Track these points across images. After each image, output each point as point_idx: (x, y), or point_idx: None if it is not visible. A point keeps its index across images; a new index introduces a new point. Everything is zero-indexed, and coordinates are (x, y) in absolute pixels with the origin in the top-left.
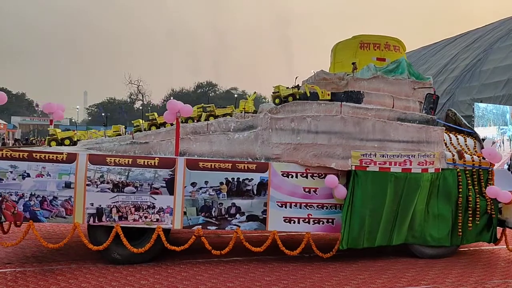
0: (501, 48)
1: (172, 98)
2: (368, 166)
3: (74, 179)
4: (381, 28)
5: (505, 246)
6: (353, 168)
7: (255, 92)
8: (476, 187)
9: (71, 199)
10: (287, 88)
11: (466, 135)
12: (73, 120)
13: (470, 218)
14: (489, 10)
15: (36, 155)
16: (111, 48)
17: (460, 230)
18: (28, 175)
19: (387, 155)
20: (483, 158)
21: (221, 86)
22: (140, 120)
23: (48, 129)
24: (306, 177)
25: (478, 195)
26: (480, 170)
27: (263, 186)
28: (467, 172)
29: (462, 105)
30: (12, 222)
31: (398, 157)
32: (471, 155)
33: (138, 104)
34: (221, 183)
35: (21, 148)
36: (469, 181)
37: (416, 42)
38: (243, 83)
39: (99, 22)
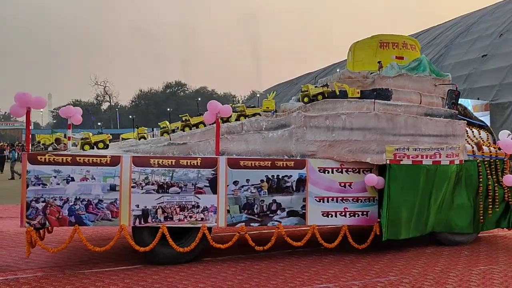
0: (461, 43)
1: (140, 98)
2: (401, 160)
3: (119, 182)
4: (347, 26)
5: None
6: (388, 162)
7: (273, 92)
8: (494, 177)
9: (117, 201)
10: (316, 87)
11: (478, 128)
12: (37, 123)
13: (490, 206)
14: (450, 8)
15: (79, 159)
16: (75, 48)
17: (481, 217)
18: (73, 179)
19: (419, 148)
20: (499, 149)
21: (191, 85)
22: (167, 122)
23: (82, 132)
24: (341, 172)
25: (496, 184)
26: (497, 160)
27: (301, 182)
28: (485, 162)
29: None
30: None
31: (429, 150)
32: (487, 146)
33: (105, 106)
34: (262, 181)
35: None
36: (488, 171)
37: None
38: (213, 82)
39: (62, 20)
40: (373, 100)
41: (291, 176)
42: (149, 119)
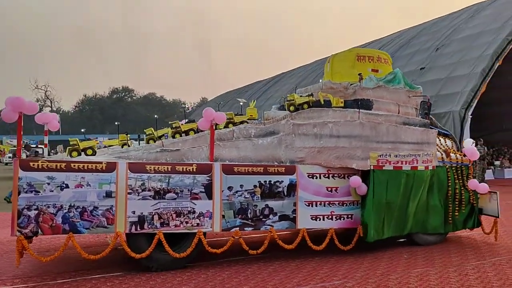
0: (402, 56)
1: (84, 104)
2: (384, 166)
3: (115, 188)
4: (297, 32)
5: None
6: (372, 168)
7: (254, 100)
8: (460, 181)
9: (113, 208)
10: (301, 96)
11: (444, 136)
12: None
13: (457, 208)
14: (393, 22)
15: (74, 165)
16: (12, 49)
17: (450, 218)
18: (67, 186)
19: (400, 155)
20: (464, 156)
21: (139, 91)
22: (152, 129)
23: (69, 139)
24: (328, 177)
25: (462, 188)
26: (463, 166)
27: (292, 187)
28: (453, 168)
29: None
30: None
31: (407, 156)
32: (454, 153)
33: (46, 111)
34: (255, 186)
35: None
36: (455, 176)
37: (332, 48)
38: (162, 88)
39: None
40: (358, 109)
41: (282, 181)
42: (94, 125)
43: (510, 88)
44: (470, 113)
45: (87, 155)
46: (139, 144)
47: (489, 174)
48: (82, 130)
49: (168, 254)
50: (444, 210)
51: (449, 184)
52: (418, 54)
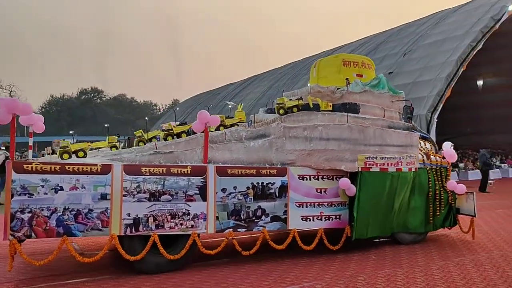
0: None
1: (51, 105)
2: (371, 167)
3: (110, 190)
4: (265, 37)
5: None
6: (360, 170)
7: (241, 104)
8: (440, 182)
9: (108, 210)
10: (290, 99)
11: (423, 140)
12: None
13: (437, 208)
14: (362, 27)
15: (69, 168)
16: None
17: (431, 218)
18: (61, 189)
19: (386, 157)
20: (443, 158)
21: (108, 92)
22: (141, 131)
23: (58, 141)
24: (318, 179)
25: (442, 189)
26: (442, 168)
27: (283, 189)
28: (433, 170)
29: None
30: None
31: (393, 159)
32: (434, 156)
33: None
34: (248, 188)
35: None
36: (435, 177)
37: (299, 54)
38: (132, 89)
39: None
40: (346, 113)
41: (274, 183)
42: (61, 127)
43: (473, 94)
44: (436, 116)
45: (78, 157)
46: (126, 147)
47: (453, 176)
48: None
49: (162, 256)
50: (425, 210)
51: (430, 185)
52: (386, 59)
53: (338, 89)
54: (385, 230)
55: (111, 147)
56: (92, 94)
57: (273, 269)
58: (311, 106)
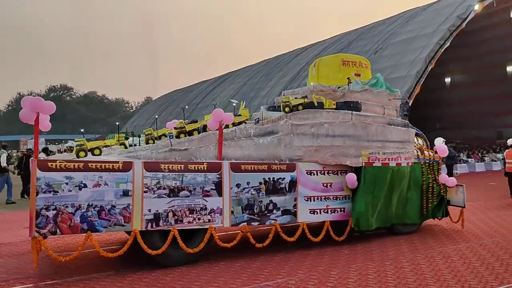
0: None
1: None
2: (374, 162)
3: (131, 187)
4: (240, 34)
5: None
6: (363, 164)
7: (243, 102)
8: (433, 176)
9: (129, 206)
10: (296, 98)
11: (416, 136)
12: None
13: (431, 200)
14: (335, 26)
15: (92, 165)
16: None
17: (425, 210)
18: (85, 186)
19: (387, 152)
20: (435, 153)
21: (78, 89)
22: (151, 129)
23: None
24: (324, 174)
25: (434, 182)
26: (434, 162)
27: (293, 184)
28: (426, 164)
29: None
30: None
31: (393, 154)
32: (427, 151)
33: None
34: (260, 183)
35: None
36: (428, 171)
37: (274, 51)
38: (103, 86)
39: None
40: (350, 111)
41: (284, 178)
42: (29, 125)
43: (441, 90)
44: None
45: (94, 155)
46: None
47: None
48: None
49: (181, 250)
50: (420, 202)
51: (424, 178)
52: None
53: (339, 87)
54: (385, 221)
55: (120, 145)
56: (61, 91)
57: (247, 266)
58: (316, 104)
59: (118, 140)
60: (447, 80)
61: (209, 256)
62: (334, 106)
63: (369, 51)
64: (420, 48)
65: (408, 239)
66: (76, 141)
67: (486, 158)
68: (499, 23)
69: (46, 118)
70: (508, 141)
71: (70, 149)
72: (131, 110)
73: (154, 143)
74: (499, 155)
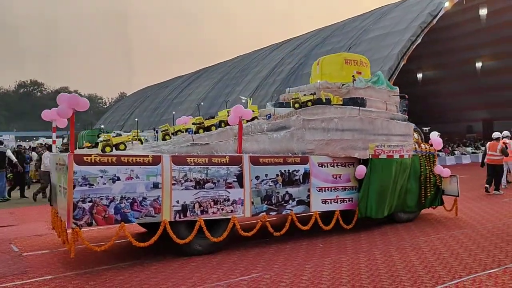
0: (318, 54)
1: None
2: (379, 155)
3: (161, 180)
4: (214, 29)
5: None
6: (370, 157)
7: (251, 98)
8: (429, 167)
9: (159, 198)
10: (305, 95)
11: None
12: None
13: (428, 190)
14: (306, 21)
15: (124, 159)
16: None
17: (423, 198)
18: (118, 179)
19: (391, 145)
20: (431, 146)
21: (49, 85)
22: (167, 125)
23: (101, 134)
24: (334, 166)
25: (430, 173)
26: (430, 154)
27: (306, 176)
28: (423, 156)
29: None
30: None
31: (397, 147)
32: (424, 144)
33: None
34: (277, 175)
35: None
36: (426, 163)
37: (248, 46)
38: (75, 82)
39: None
40: (357, 107)
41: (298, 170)
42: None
43: (413, 86)
44: None
45: (119, 150)
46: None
47: None
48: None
49: (206, 239)
50: (418, 192)
51: (421, 170)
52: (332, 53)
53: (343, 85)
54: (389, 210)
55: (137, 140)
56: (32, 87)
57: (224, 262)
58: (324, 100)
59: (134, 136)
60: (419, 75)
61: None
62: (341, 102)
63: (343, 47)
64: (392, 44)
65: (382, 232)
66: (103, 137)
67: (456, 152)
68: (468, 20)
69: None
70: (493, 134)
71: (42, 146)
72: (105, 106)
73: (170, 138)
74: (469, 149)
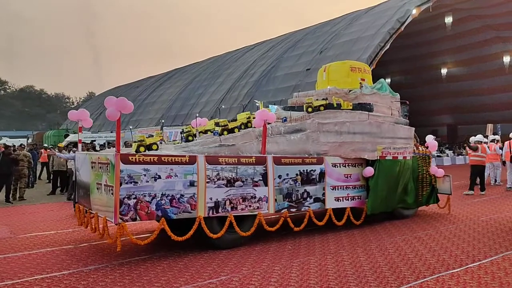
0: (289, 57)
1: None
2: (386, 156)
3: (196, 178)
4: (184, 31)
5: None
6: (378, 158)
7: (262, 102)
8: (426, 168)
9: (195, 195)
10: (317, 100)
11: None
12: None
13: (425, 188)
14: (279, 23)
15: (164, 159)
16: None
17: (420, 196)
18: (159, 177)
19: (396, 147)
20: (427, 148)
21: (14, 83)
22: (190, 126)
23: (137, 135)
24: (345, 166)
25: (427, 173)
26: (426, 156)
27: (322, 175)
28: (420, 157)
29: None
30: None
31: (401, 149)
32: (421, 146)
33: None
34: (297, 175)
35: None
36: (423, 164)
37: (221, 48)
38: (41, 80)
39: None
40: (367, 111)
41: (315, 170)
42: None
43: None
44: None
45: (151, 149)
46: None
47: None
48: None
49: (236, 233)
50: (416, 190)
51: (419, 170)
52: (304, 56)
53: (350, 91)
54: (391, 206)
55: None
56: None
57: (191, 265)
58: (335, 105)
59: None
60: (388, 80)
61: (151, 255)
62: (351, 107)
63: (315, 51)
64: (362, 49)
65: (349, 233)
66: (137, 137)
67: None
68: (434, 28)
69: (88, 114)
70: (470, 139)
71: (4, 146)
72: (72, 106)
73: (193, 139)
74: (434, 152)
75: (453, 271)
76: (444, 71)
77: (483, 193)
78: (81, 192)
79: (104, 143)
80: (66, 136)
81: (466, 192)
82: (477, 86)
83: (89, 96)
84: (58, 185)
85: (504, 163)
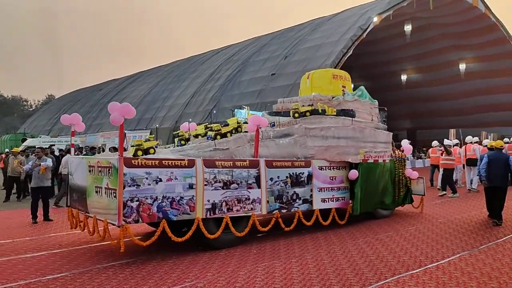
0: (255, 62)
1: None
2: (368, 160)
3: (195, 181)
4: (154, 33)
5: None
6: (361, 161)
7: (248, 107)
8: (401, 170)
9: (194, 198)
10: (303, 106)
11: None
12: None
13: (401, 189)
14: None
15: (165, 162)
16: None
17: (396, 197)
18: (160, 180)
19: (377, 151)
20: (402, 151)
21: None
22: (182, 131)
23: (133, 140)
24: (330, 169)
25: (402, 175)
26: (401, 159)
27: (309, 177)
28: (397, 160)
29: (226, 111)
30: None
31: (381, 152)
32: (396, 150)
33: None
34: (287, 177)
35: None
36: (399, 166)
37: (186, 52)
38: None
39: None
40: (350, 117)
41: (303, 173)
42: None
43: None
44: None
45: (149, 153)
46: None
47: None
48: None
49: (231, 234)
50: (393, 192)
51: (396, 172)
52: (269, 61)
53: (333, 97)
54: (372, 207)
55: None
56: None
57: (155, 272)
58: (320, 111)
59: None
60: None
61: (115, 262)
62: (335, 113)
63: (279, 56)
64: (325, 55)
65: (313, 237)
66: (134, 141)
67: None
68: (395, 35)
69: (80, 119)
70: (432, 143)
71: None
72: (30, 109)
73: (185, 144)
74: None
75: (412, 272)
76: (404, 77)
77: (444, 193)
78: (75, 195)
79: (68, 148)
80: (24, 140)
81: (451, 195)
82: (434, 92)
83: (48, 99)
84: (14, 191)
85: (464, 166)
